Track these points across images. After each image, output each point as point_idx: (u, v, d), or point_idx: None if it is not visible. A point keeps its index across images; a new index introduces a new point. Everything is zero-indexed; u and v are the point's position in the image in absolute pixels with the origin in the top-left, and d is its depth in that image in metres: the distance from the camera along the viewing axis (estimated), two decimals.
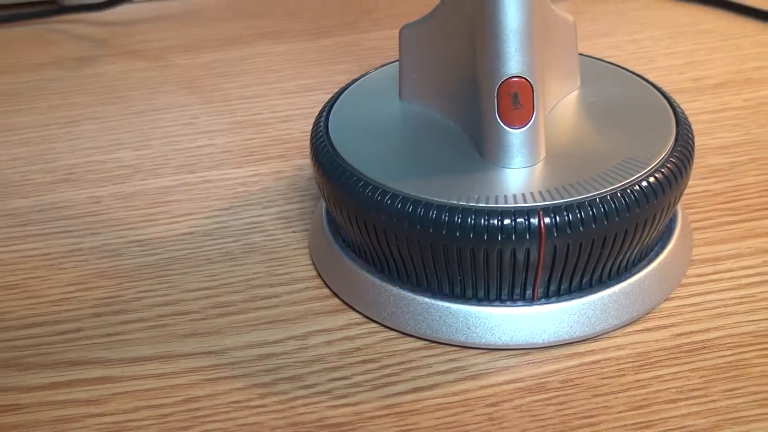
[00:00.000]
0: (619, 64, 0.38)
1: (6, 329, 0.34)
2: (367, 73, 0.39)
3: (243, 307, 0.34)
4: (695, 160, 0.41)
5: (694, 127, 0.43)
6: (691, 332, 0.32)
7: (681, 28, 0.54)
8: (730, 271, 0.35)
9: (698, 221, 0.38)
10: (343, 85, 0.38)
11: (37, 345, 0.33)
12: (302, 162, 0.43)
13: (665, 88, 0.47)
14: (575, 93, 0.36)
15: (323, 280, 0.35)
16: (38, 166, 0.44)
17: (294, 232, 0.38)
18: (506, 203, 0.30)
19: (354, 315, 0.34)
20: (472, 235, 0.30)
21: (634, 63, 0.50)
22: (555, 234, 0.30)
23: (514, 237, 0.30)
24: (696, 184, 0.40)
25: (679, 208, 0.36)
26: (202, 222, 0.39)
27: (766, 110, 0.45)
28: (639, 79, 0.37)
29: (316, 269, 0.36)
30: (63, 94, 0.51)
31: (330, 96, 0.37)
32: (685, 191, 0.39)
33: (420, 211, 0.30)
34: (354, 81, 0.38)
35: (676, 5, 0.56)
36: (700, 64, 0.50)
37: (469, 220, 0.30)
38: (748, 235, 0.37)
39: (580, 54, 0.38)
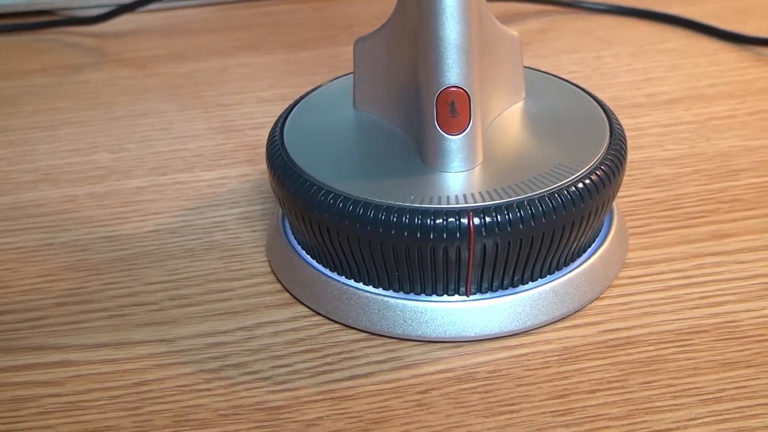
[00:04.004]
0: (570, 79, 0.41)
1: None
2: (325, 83, 0.41)
3: (198, 300, 0.37)
4: (642, 171, 0.43)
5: (645, 139, 0.46)
6: (617, 329, 0.34)
7: (644, 46, 0.56)
8: (660, 274, 0.37)
9: (637, 227, 0.40)
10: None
11: (2, 331, 0.35)
12: None
13: (623, 103, 0.49)
14: (519, 104, 0.39)
15: (276, 276, 0.37)
16: (19, 167, 0.46)
17: (254, 231, 0.41)
18: (440, 204, 0.32)
19: (302, 308, 0.36)
20: (406, 233, 0.32)
21: (596, 78, 0.52)
22: (484, 233, 0.32)
23: (445, 235, 0.32)
24: (640, 192, 0.42)
25: (616, 213, 0.38)
26: (169, 221, 0.41)
27: (713, 124, 0.47)
28: (581, 91, 0.39)
29: (271, 265, 0.38)
30: (48, 99, 0.53)
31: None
32: (629, 199, 0.41)
33: (359, 210, 0.32)
34: (312, 90, 0.40)
35: (642, 24, 0.58)
36: (658, 81, 0.52)
37: (404, 219, 0.32)
38: (682, 241, 0.39)
39: (528, 68, 0.40)
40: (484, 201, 0.32)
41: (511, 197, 0.32)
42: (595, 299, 0.36)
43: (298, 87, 0.53)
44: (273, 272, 0.38)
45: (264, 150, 0.46)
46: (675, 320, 0.35)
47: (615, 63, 0.54)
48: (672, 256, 0.38)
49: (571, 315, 0.35)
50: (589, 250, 0.36)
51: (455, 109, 0.34)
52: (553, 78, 0.41)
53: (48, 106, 0.52)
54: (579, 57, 0.55)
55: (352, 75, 0.39)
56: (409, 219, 0.32)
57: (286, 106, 0.39)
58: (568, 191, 0.33)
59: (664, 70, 0.53)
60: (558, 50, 0.56)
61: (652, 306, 0.35)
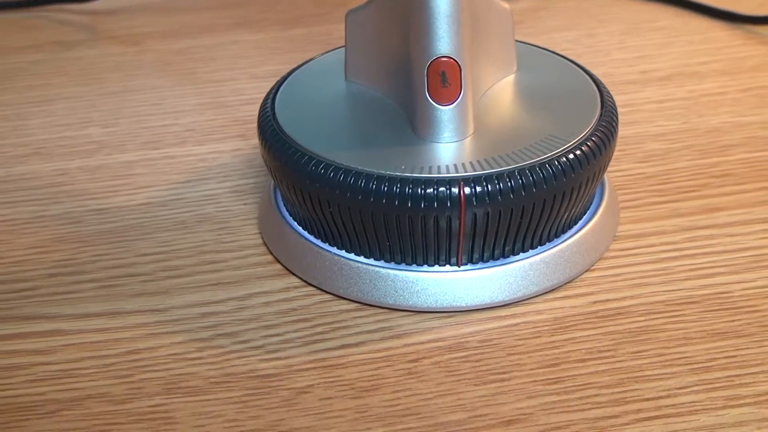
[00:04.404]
0: (562, 53, 0.41)
1: None
2: (316, 56, 0.41)
3: (190, 271, 0.37)
4: (634, 146, 0.43)
5: (638, 115, 0.46)
6: (607, 300, 0.35)
7: (637, 24, 0.56)
8: (651, 246, 0.37)
9: (628, 201, 0.40)
10: None
11: None
12: None
13: (616, 80, 0.49)
14: (511, 77, 0.39)
15: (268, 248, 0.38)
16: (11, 141, 0.46)
17: (246, 204, 0.41)
18: (430, 173, 0.32)
19: (293, 279, 0.36)
20: (397, 202, 0.32)
21: (589, 56, 0.52)
22: (474, 203, 0.32)
23: (436, 205, 0.32)
24: (632, 167, 0.42)
25: (607, 186, 0.38)
26: (160, 194, 0.41)
27: (706, 101, 0.47)
28: (572, 65, 0.39)
29: (262, 237, 0.38)
30: (42, 75, 0.53)
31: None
32: (621, 173, 0.41)
33: (350, 180, 0.32)
34: (304, 63, 0.40)
35: (634, 3, 0.58)
36: (651, 58, 0.52)
37: (395, 188, 0.32)
38: (673, 215, 0.39)
39: (520, 41, 0.40)
40: (475, 171, 0.32)
41: (501, 167, 0.33)
42: (586, 271, 0.36)
43: (290, 64, 0.52)
44: (264, 244, 0.38)
45: (256, 125, 0.46)
46: (665, 291, 0.35)
47: (608, 41, 0.54)
48: (663, 229, 0.38)
49: (562, 286, 0.35)
50: (581, 222, 0.37)
51: (446, 80, 0.34)
52: (545, 51, 0.41)
53: (41, 82, 0.52)
54: (572, 35, 0.55)
55: (343, 48, 0.39)
56: (399, 188, 0.32)
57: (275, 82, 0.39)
58: (558, 161, 0.33)
59: (657, 47, 0.53)
60: (551, 28, 0.56)
61: (642, 278, 0.36)
